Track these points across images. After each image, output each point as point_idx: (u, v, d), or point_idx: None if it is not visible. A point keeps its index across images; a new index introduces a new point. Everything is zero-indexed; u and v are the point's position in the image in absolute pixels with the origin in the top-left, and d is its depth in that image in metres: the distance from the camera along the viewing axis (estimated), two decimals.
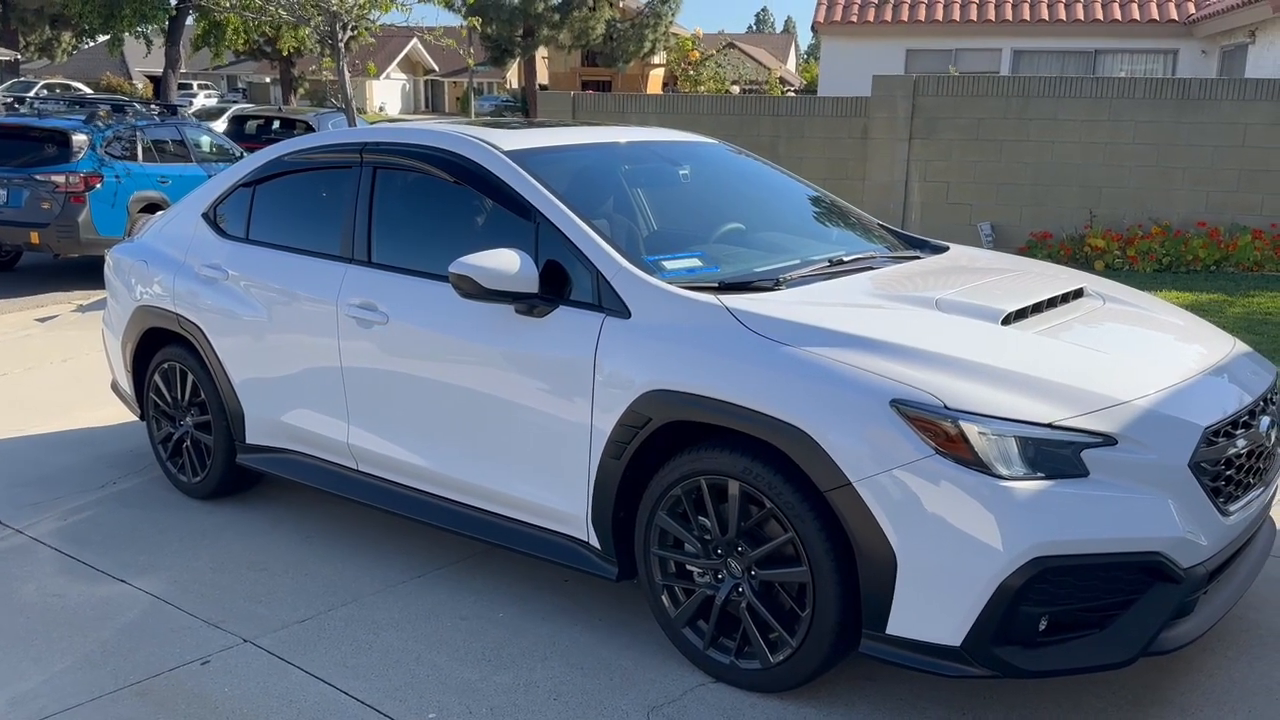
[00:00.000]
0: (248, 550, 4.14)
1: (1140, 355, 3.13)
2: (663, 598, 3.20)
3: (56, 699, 3.09)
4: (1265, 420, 3.03)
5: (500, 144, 3.75)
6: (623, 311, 3.20)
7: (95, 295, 9.67)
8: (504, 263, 3.28)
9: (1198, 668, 3.13)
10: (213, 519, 4.45)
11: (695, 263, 3.49)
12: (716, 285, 3.25)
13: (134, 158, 10.66)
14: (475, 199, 3.76)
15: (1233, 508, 2.85)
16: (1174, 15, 17.02)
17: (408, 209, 3.97)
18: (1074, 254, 10.33)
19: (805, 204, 4.48)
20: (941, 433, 2.62)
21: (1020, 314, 3.13)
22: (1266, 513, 3.25)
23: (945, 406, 2.64)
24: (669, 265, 3.40)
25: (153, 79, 44.46)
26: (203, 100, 39.69)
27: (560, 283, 3.36)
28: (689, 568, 3.14)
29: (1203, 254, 9.91)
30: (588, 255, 3.32)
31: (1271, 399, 3.15)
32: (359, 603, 3.67)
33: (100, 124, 10.49)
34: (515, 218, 3.54)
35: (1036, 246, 10.50)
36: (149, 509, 4.57)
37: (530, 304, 3.33)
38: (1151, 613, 2.68)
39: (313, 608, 3.64)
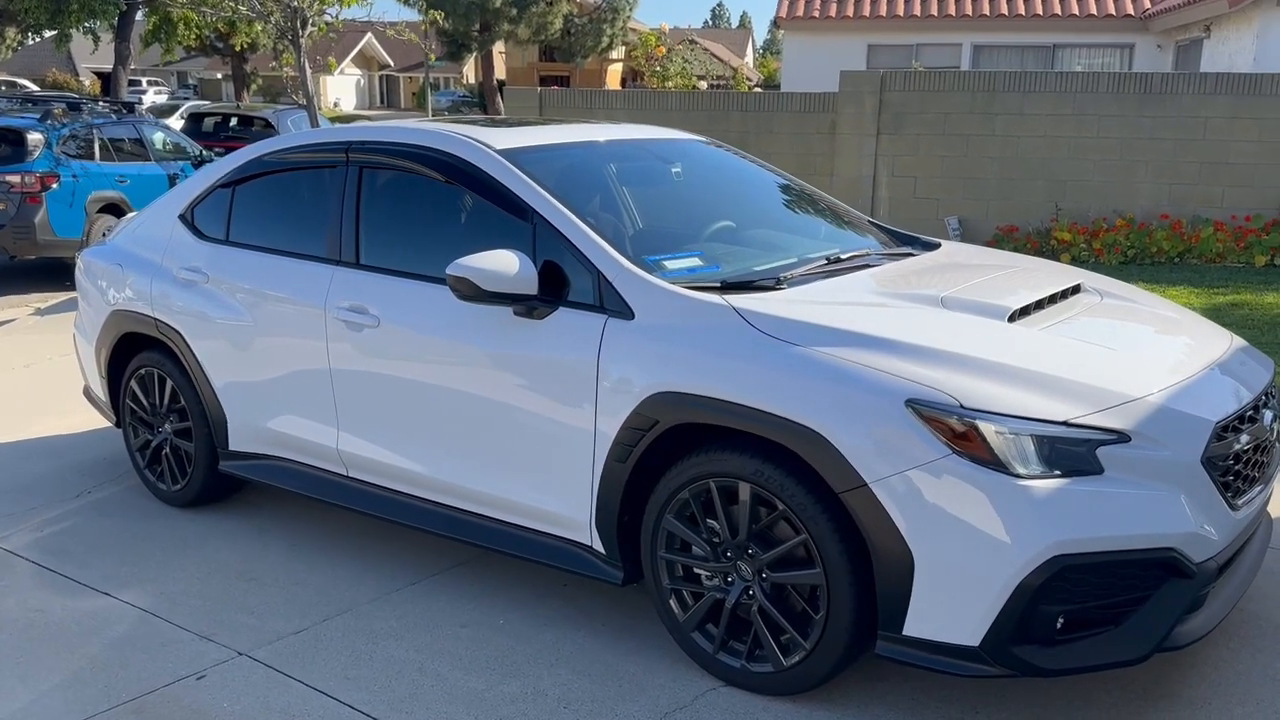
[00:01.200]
0: (234, 560, 4.04)
1: (1147, 351, 3.15)
2: (670, 602, 3.16)
3: (48, 719, 2.99)
4: (1268, 414, 3.05)
5: (492, 142, 3.69)
6: (626, 313, 3.15)
7: (54, 298, 9.44)
8: (502, 264, 3.22)
9: (1203, 661, 3.15)
10: (195, 528, 4.34)
11: (696, 262, 3.45)
12: (719, 285, 3.22)
13: (91, 157, 10.44)
14: (467, 199, 3.70)
15: (1241, 502, 2.87)
16: (1130, 10, 17.27)
17: (397, 210, 3.89)
18: (1040, 247, 10.43)
19: (793, 200, 4.46)
20: (958, 432, 2.61)
21: (1024, 311, 3.13)
22: (1266, 506, 3.28)
23: (962, 406, 2.62)
24: (670, 265, 3.36)
25: (101, 75, 43.61)
26: (152, 97, 39.00)
27: (559, 284, 3.31)
28: (697, 571, 3.10)
29: (1166, 246, 10.05)
30: (588, 256, 3.27)
31: (1272, 393, 3.18)
32: (354, 612, 3.60)
33: (56, 122, 10.24)
34: (511, 218, 3.48)
35: (1003, 240, 10.59)
36: (128, 519, 4.45)
37: (530, 306, 3.28)
38: (1166, 608, 2.69)
39: (307, 618, 3.56)
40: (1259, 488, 3.01)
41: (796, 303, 3.10)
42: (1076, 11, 17.42)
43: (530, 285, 3.24)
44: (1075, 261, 10.05)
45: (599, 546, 3.27)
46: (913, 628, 2.71)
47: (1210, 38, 14.92)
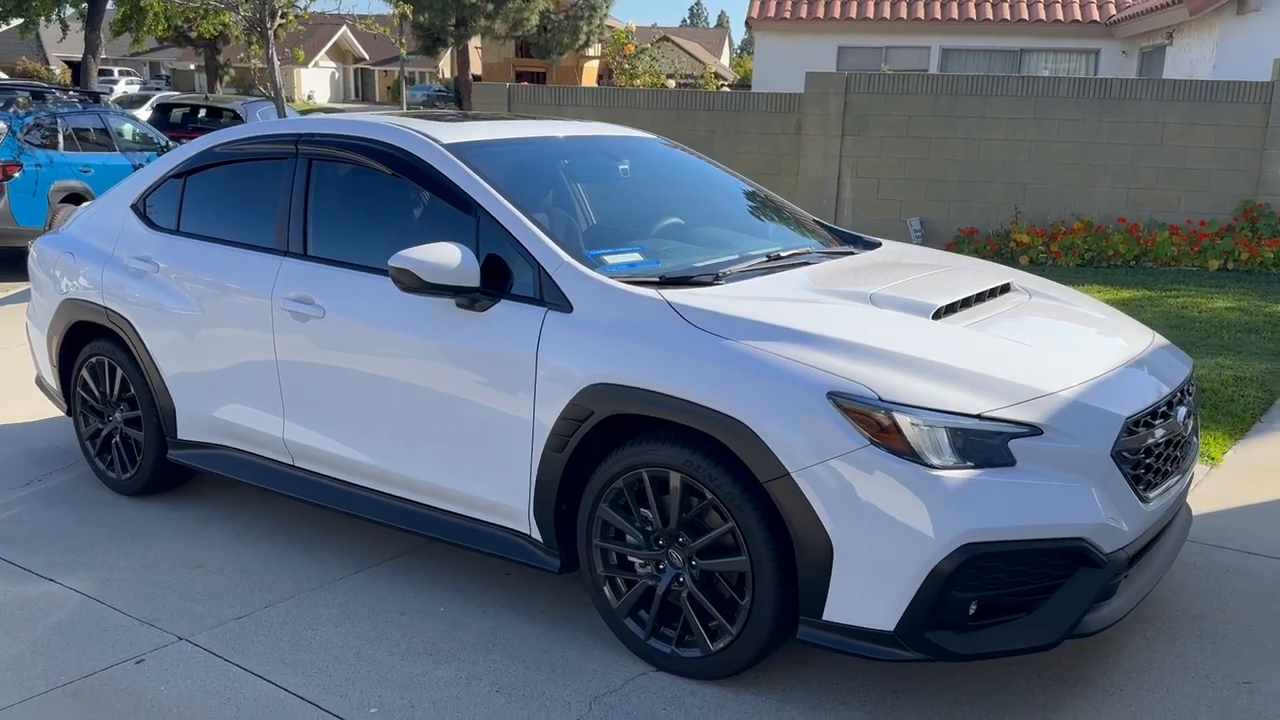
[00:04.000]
0: (180, 547, 4.07)
1: (1064, 348, 3.24)
2: (605, 589, 3.23)
3: None
4: (1182, 410, 3.15)
5: (439, 137, 3.74)
6: (564, 306, 3.22)
7: (15, 288, 9.39)
8: (444, 256, 3.27)
9: (1119, 649, 3.25)
10: (144, 516, 4.37)
11: (636, 257, 3.52)
12: (658, 280, 3.29)
13: (55, 146, 10.38)
14: (414, 192, 3.75)
15: (1152, 495, 2.97)
16: (1096, 16, 17.49)
17: (345, 202, 3.94)
18: (1000, 249, 10.59)
19: (742, 200, 4.53)
20: (876, 424, 2.69)
21: (950, 308, 3.22)
22: (1183, 499, 3.40)
23: (880, 399, 2.71)
24: (610, 260, 3.43)
25: (71, 64, 43.14)
26: (124, 87, 38.70)
27: (502, 277, 3.37)
28: (631, 559, 3.18)
29: (1123, 249, 10.22)
30: (530, 250, 3.33)
31: (1188, 390, 3.29)
32: (297, 599, 3.65)
33: (19, 111, 10.18)
34: (455, 211, 3.54)
35: (964, 242, 10.74)
36: (77, 506, 4.47)
37: (471, 298, 3.34)
38: (1076, 596, 2.78)
39: (249, 605, 3.60)
40: (1173, 481, 3.12)
41: (730, 298, 3.17)
42: (1044, 17, 17.62)
43: (471, 278, 3.30)
44: (1033, 263, 10.21)
45: (537, 535, 3.34)
46: (832, 613, 2.79)
47: (1173, 44, 15.15)
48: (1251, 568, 3.82)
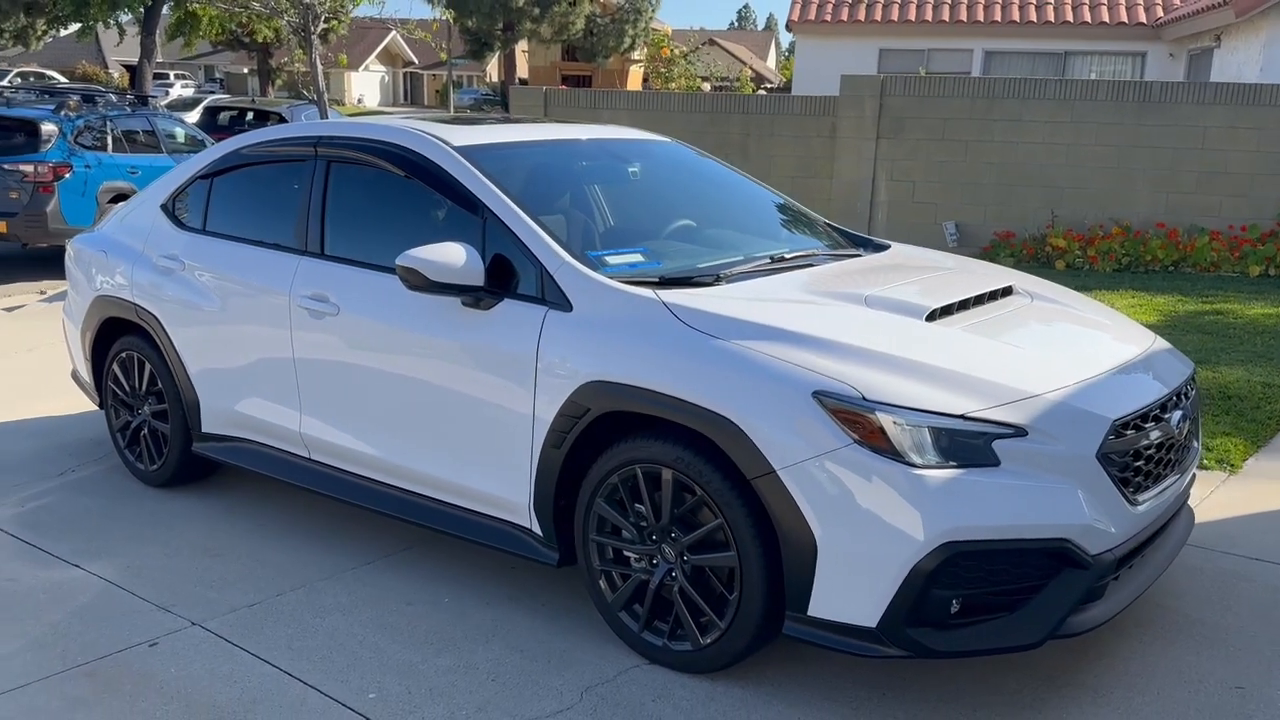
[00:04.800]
0: (202, 537, 4.21)
1: (1056, 351, 3.25)
2: (600, 582, 3.30)
3: (6, 678, 3.17)
4: (1177, 414, 3.15)
5: (451, 139, 3.83)
6: (564, 305, 3.29)
7: (62, 285, 9.65)
8: (450, 256, 3.36)
9: (1112, 652, 3.25)
10: (168, 506, 4.52)
11: (638, 258, 3.59)
12: (657, 280, 3.35)
13: (104, 148, 10.67)
14: (425, 193, 3.83)
15: (1142, 497, 2.97)
16: (1142, 18, 17.23)
17: (360, 202, 4.04)
18: (1036, 254, 10.50)
19: (756, 203, 4.58)
20: (860, 423, 2.73)
21: (946, 310, 3.24)
22: (1182, 502, 3.38)
23: (864, 398, 2.75)
24: (611, 260, 3.50)
25: (129, 68, 44.14)
26: (179, 90, 39.49)
27: (506, 276, 3.45)
28: (625, 553, 3.24)
29: (1161, 254, 10.08)
30: (532, 250, 3.41)
31: (1186, 393, 3.28)
32: (308, 588, 3.76)
33: (70, 114, 10.49)
34: (464, 212, 3.63)
35: (999, 246, 10.66)
36: (106, 496, 4.63)
37: (476, 297, 3.42)
38: (1060, 597, 2.80)
39: (262, 593, 3.72)
40: (1168, 483, 3.11)
41: (726, 299, 3.22)
42: (1089, 19, 17.40)
43: (476, 277, 3.38)
44: (1069, 268, 10.12)
45: (537, 529, 3.41)
46: (817, 609, 2.83)
47: (1220, 47, 14.90)
48: (1257, 574, 3.79)
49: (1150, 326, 7.31)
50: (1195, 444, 3.40)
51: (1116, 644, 3.29)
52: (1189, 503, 3.53)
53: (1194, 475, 3.44)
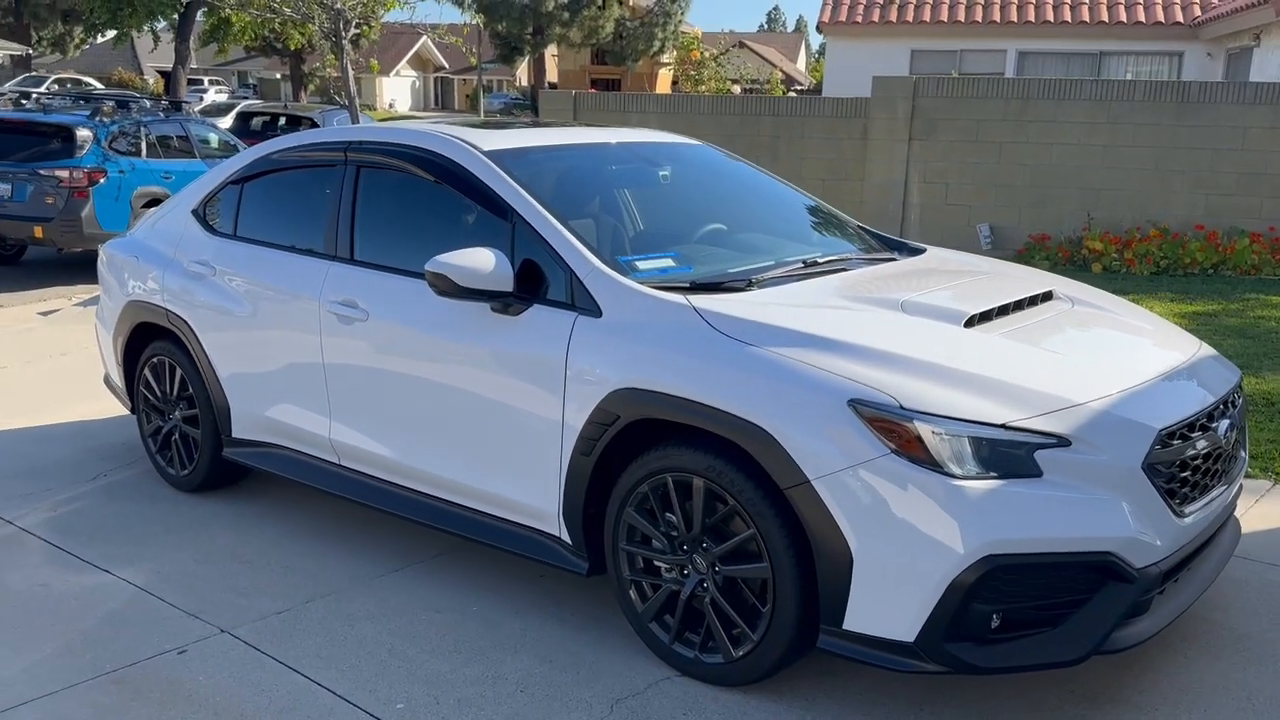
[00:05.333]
0: (232, 542, 4.20)
1: (1100, 358, 3.17)
2: (630, 592, 3.25)
3: (35, 686, 3.16)
4: (1225, 423, 3.06)
5: (480, 144, 3.80)
6: (594, 310, 3.25)
7: (96, 289, 9.73)
8: (479, 261, 3.33)
9: (1157, 667, 3.17)
10: (198, 511, 4.51)
11: (668, 263, 3.54)
12: (688, 285, 3.30)
13: (138, 153, 10.75)
14: (454, 198, 3.81)
15: (1189, 509, 2.89)
16: (1179, 17, 16.99)
17: (389, 207, 4.02)
18: (1071, 256, 10.35)
19: (788, 206, 4.52)
20: (897, 432, 2.67)
21: (985, 316, 3.17)
22: (1229, 513, 3.29)
23: (901, 407, 2.68)
24: (642, 265, 3.45)
25: (164, 74, 44.65)
26: (213, 96, 39.87)
27: (536, 282, 3.41)
28: (656, 563, 3.19)
29: (1200, 257, 9.91)
30: (561, 255, 3.37)
31: (1233, 402, 3.19)
32: (337, 595, 3.73)
33: (104, 119, 10.58)
34: (493, 217, 3.60)
35: (1035, 249, 10.52)
36: (137, 501, 4.63)
37: (505, 302, 3.39)
38: (1104, 612, 2.72)
39: (291, 600, 3.70)
40: (1215, 494, 3.03)
41: (758, 304, 3.17)
42: (1124, 18, 17.17)
43: (505, 282, 3.34)
44: (1106, 271, 9.96)
45: (566, 537, 3.37)
46: (852, 622, 2.77)
47: (1260, 46, 14.64)
48: None
49: (1189, 331, 7.19)
50: (1242, 453, 3.30)
51: (1162, 659, 3.20)
52: (1235, 513, 3.44)
53: (1241, 485, 3.35)
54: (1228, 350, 6.55)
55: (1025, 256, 10.37)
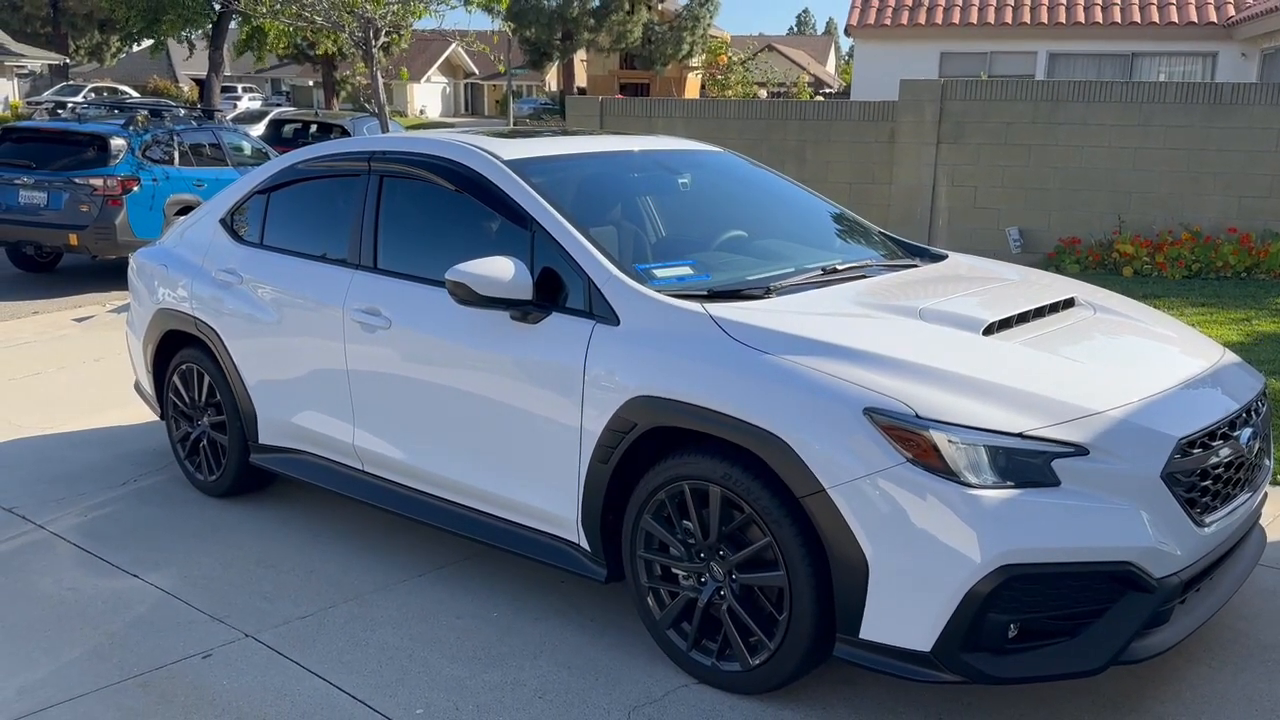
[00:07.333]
0: (257, 548, 4.25)
1: (1120, 366, 3.14)
2: (648, 599, 3.26)
3: (62, 689, 3.22)
4: (1247, 431, 3.03)
5: (500, 153, 3.83)
6: (612, 318, 3.27)
7: (128, 297, 9.90)
8: (498, 270, 3.35)
9: (1180, 677, 3.13)
10: (226, 517, 4.57)
11: (686, 271, 3.54)
12: (705, 293, 3.31)
13: (171, 161, 10.90)
14: (475, 207, 3.84)
15: (1210, 518, 2.86)
16: (1213, 17, 16.78)
17: (411, 216, 4.06)
18: (1102, 260, 10.25)
19: (809, 213, 4.51)
20: (913, 441, 2.66)
21: (1004, 324, 3.16)
22: (1254, 521, 3.25)
23: (917, 415, 2.68)
24: (659, 274, 3.46)
25: (198, 82, 45.19)
26: (247, 103, 40.30)
27: (555, 290, 3.44)
28: (673, 571, 3.20)
29: (1233, 260, 9.78)
30: (580, 263, 3.39)
31: (1256, 409, 3.15)
32: (360, 600, 3.77)
33: (138, 128, 10.74)
34: (513, 225, 3.63)
35: (1064, 252, 10.42)
36: (166, 506, 4.70)
37: (524, 310, 3.41)
38: (1123, 622, 2.70)
39: (315, 604, 3.74)
40: (1238, 503, 2.99)
41: (775, 312, 3.17)
42: (1157, 19, 16.99)
43: (524, 291, 3.37)
44: (1137, 275, 9.86)
45: (585, 544, 3.39)
46: (869, 631, 2.76)
47: None
48: None
49: (1222, 336, 7.11)
50: (1267, 461, 3.26)
51: (1184, 670, 3.17)
52: (1260, 521, 3.40)
53: (1266, 494, 3.31)
54: (1262, 355, 6.47)
55: (1055, 260, 10.29)
